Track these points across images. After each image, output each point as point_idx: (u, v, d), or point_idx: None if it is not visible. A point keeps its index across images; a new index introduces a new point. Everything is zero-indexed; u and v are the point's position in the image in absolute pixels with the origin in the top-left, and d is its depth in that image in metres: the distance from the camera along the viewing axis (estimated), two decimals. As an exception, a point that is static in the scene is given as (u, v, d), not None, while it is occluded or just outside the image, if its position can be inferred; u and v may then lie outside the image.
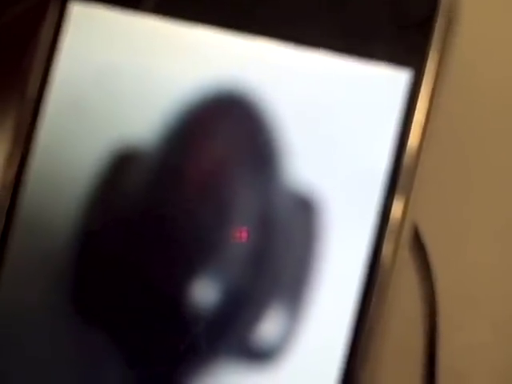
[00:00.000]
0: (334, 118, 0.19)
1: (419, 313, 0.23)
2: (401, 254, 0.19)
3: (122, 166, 0.19)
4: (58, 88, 0.19)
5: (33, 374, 0.19)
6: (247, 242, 0.19)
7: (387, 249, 0.19)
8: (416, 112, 0.19)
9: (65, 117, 0.19)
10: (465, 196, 0.24)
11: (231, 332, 0.19)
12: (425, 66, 0.19)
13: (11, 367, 0.19)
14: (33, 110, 0.19)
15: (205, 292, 0.19)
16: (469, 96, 0.24)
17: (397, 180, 0.19)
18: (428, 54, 0.19)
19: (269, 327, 0.19)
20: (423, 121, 0.19)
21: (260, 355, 0.19)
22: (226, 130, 0.19)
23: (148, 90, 0.19)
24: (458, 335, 0.23)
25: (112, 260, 0.19)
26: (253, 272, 0.19)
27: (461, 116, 0.24)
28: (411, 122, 0.19)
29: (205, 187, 0.19)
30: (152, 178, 0.19)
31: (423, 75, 0.19)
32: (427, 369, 0.23)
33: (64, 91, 0.19)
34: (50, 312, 0.19)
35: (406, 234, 0.19)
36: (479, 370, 0.23)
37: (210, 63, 0.19)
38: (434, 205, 0.23)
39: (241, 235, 0.19)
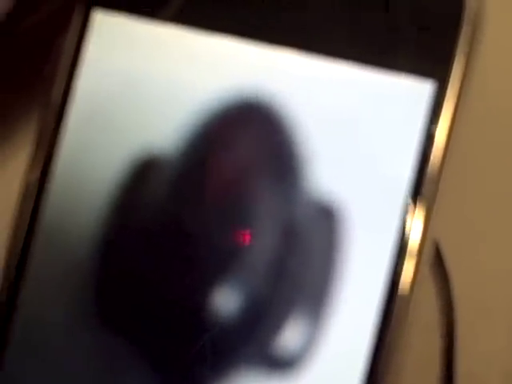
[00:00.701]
0: (356, 129, 0.19)
1: (437, 320, 0.23)
2: (422, 265, 0.19)
3: (144, 174, 0.19)
4: (81, 95, 0.19)
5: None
6: (268, 249, 0.19)
7: (409, 258, 0.19)
8: (439, 123, 0.19)
9: (87, 124, 0.19)
10: (483, 206, 0.24)
11: (252, 340, 0.19)
12: (449, 78, 0.18)
13: (37, 380, 0.19)
14: (56, 116, 0.19)
15: (226, 299, 0.19)
16: (492, 106, 0.23)
17: (419, 191, 0.19)
18: (452, 65, 0.18)
19: (290, 336, 0.19)
20: (446, 132, 0.19)
21: (280, 364, 0.19)
22: (246, 139, 0.19)
23: (169, 99, 0.19)
24: (476, 342, 0.23)
25: (133, 269, 0.19)
26: (274, 280, 0.19)
27: (483, 128, 0.23)
28: (434, 134, 0.19)
29: (225, 196, 0.19)
30: (173, 187, 0.19)
31: (447, 86, 0.18)
32: (445, 375, 0.23)
33: (87, 98, 0.19)
34: (73, 323, 0.19)
35: (428, 245, 0.19)
36: (496, 376, 0.23)
37: (231, 72, 0.19)
38: (452, 214, 0.23)
39: (261, 243, 0.19)
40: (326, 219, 0.19)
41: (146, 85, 0.19)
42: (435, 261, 0.23)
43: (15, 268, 0.19)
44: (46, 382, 0.19)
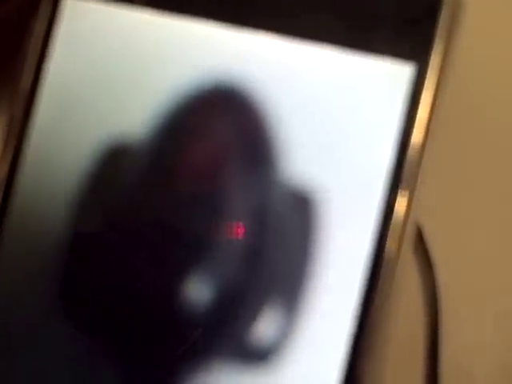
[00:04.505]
0: (336, 113, 0.18)
1: (422, 310, 0.23)
2: (404, 251, 0.18)
3: (115, 161, 0.19)
4: (51, 83, 0.19)
5: (25, 380, 0.19)
6: (243, 239, 0.18)
7: (390, 246, 0.18)
8: (420, 107, 0.18)
9: (58, 112, 0.19)
10: (466, 192, 0.24)
11: (227, 332, 0.18)
12: (429, 60, 0.18)
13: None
14: (26, 105, 0.19)
15: (199, 292, 0.18)
16: (472, 91, 0.23)
17: (400, 176, 0.18)
18: (432, 47, 0.18)
19: (266, 327, 0.18)
20: (427, 116, 0.18)
21: (257, 355, 0.18)
22: (222, 125, 0.19)
23: (142, 84, 0.19)
24: (461, 332, 0.23)
25: (103, 261, 0.19)
26: (249, 270, 0.18)
27: (463, 113, 0.23)
28: (415, 117, 0.18)
29: (199, 183, 0.19)
30: (145, 174, 0.19)
31: (427, 69, 0.18)
32: (430, 365, 0.23)
33: (57, 86, 0.19)
34: (40, 316, 0.19)
35: (410, 231, 0.19)
36: (482, 367, 0.23)
37: (206, 57, 0.19)
38: (435, 201, 0.23)
39: (236, 232, 0.18)
40: (303, 207, 0.18)
41: (118, 70, 0.19)
42: (419, 248, 0.23)
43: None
44: (13, 374, 0.19)
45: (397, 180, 0.18)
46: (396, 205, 0.18)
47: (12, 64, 0.19)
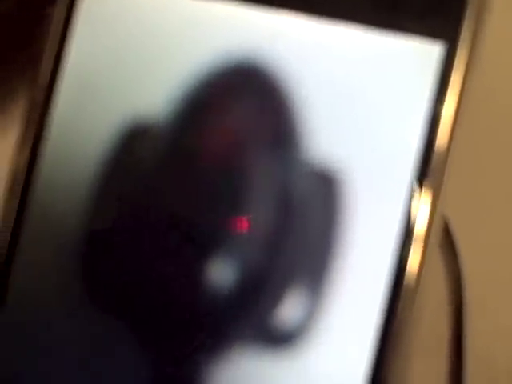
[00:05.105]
0: (363, 94, 0.18)
1: (446, 297, 0.23)
2: (431, 241, 0.18)
3: (136, 145, 0.18)
4: (70, 69, 0.19)
5: (49, 362, 0.18)
6: (266, 220, 0.18)
7: (417, 234, 0.18)
8: (450, 87, 0.18)
9: (79, 97, 0.19)
10: (492, 180, 0.23)
11: (250, 316, 0.18)
12: (459, 39, 0.18)
13: (26, 360, 0.18)
14: (46, 91, 0.19)
15: (221, 275, 0.18)
16: (498, 79, 0.23)
17: (429, 159, 0.18)
18: (462, 25, 0.18)
19: (290, 309, 0.18)
20: (457, 97, 0.18)
21: (281, 338, 0.18)
22: (243, 105, 0.18)
23: (164, 66, 0.18)
24: (485, 319, 0.23)
25: (124, 248, 0.18)
26: (272, 252, 0.18)
27: (489, 101, 0.23)
28: (444, 98, 0.18)
29: (221, 165, 0.18)
30: (166, 157, 0.18)
31: (457, 48, 0.18)
32: (455, 352, 0.23)
33: (77, 72, 0.19)
34: (64, 302, 0.18)
35: (437, 220, 0.18)
36: (506, 354, 0.23)
37: (231, 37, 0.18)
38: (462, 192, 0.23)
39: (260, 213, 0.18)
40: (328, 187, 0.18)
41: (140, 53, 0.18)
42: (445, 239, 0.23)
43: (6, 250, 0.18)
44: (37, 360, 0.18)
45: (424, 164, 0.18)
46: (423, 188, 0.18)
47: (32, 50, 0.19)
